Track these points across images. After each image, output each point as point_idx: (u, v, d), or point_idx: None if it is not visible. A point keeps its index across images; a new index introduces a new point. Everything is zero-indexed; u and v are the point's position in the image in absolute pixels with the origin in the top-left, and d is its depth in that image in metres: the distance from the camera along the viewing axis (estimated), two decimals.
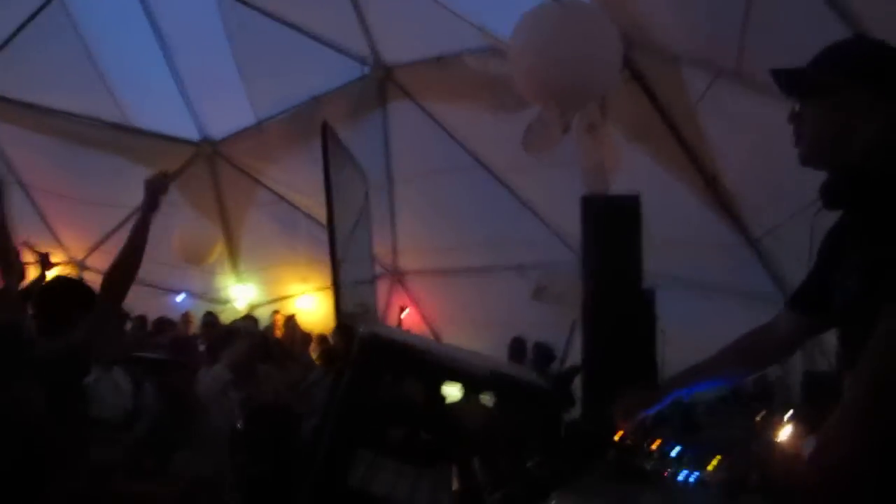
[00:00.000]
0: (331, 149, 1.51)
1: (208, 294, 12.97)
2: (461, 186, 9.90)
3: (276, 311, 11.28)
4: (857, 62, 1.80)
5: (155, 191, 3.42)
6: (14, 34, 9.28)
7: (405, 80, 9.38)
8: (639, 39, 7.03)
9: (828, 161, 1.83)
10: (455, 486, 1.94)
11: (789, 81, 1.88)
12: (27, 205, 11.29)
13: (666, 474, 1.94)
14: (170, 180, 3.58)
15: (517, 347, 8.04)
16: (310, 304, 12.05)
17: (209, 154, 11.39)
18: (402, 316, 11.60)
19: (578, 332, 6.26)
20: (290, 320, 9.32)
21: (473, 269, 10.76)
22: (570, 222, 6.35)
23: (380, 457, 1.63)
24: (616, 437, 2.26)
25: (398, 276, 11.93)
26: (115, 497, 3.39)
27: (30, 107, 10.03)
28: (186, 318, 10.22)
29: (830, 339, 1.92)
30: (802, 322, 2.10)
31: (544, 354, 8.00)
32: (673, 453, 2.12)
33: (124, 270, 3.30)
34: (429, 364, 1.55)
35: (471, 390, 1.77)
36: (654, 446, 2.19)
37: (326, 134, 1.46)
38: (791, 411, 2.49)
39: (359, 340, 1.38)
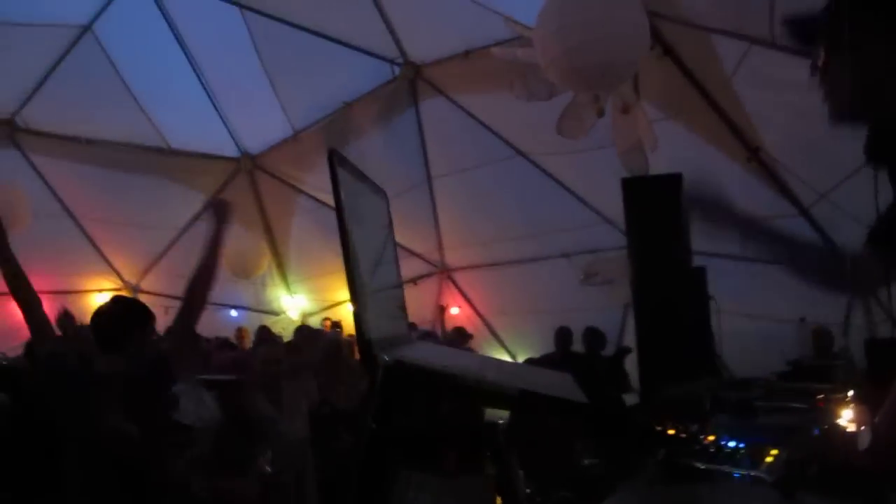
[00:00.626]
0: (340, 172, 1.48)
1: (261, 306, 13.12)
2: (500, 178, 9.84)
3: (325, 319, 11.40)
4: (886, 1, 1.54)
5: (222, 211, 3.68)
6: (50, 71, 9.53)
7: (435, 76, 9.35)
8: (666, 13, 6.87)
9: (864, 117, 1.60)
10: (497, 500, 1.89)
11: (809, 31, 1.63)
12: (79, 235, 11.57)
13: (720, 473, 1.87)
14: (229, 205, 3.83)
15: (563, 336, 7.96)
16: None
17: (249, 168, 11.56)
18: (448, 314, 11.60)
19: (632, 315, 6.16)
20: (337, 327, 9.38)
21: (521, 260, 10.71)
22: (614, 205, 6.24)
23: (418, 477, 1.60)
24: (670, 432, 2.19)
25: (447, 273, 11.93)
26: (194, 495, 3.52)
27: (72, 139, 10.28)
28: (241, 333, 10.34)
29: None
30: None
31: (595, 338, 7.92)
32: (727, 448, 2.04)
33: (199, 288, 3.54)
34: (454, 389, 1.51)
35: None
36: (708, 441, 2.11)
37: (333, 159, 1.43)
38: (852, 391, 2.37)
39: (382, 370, 1.35)
